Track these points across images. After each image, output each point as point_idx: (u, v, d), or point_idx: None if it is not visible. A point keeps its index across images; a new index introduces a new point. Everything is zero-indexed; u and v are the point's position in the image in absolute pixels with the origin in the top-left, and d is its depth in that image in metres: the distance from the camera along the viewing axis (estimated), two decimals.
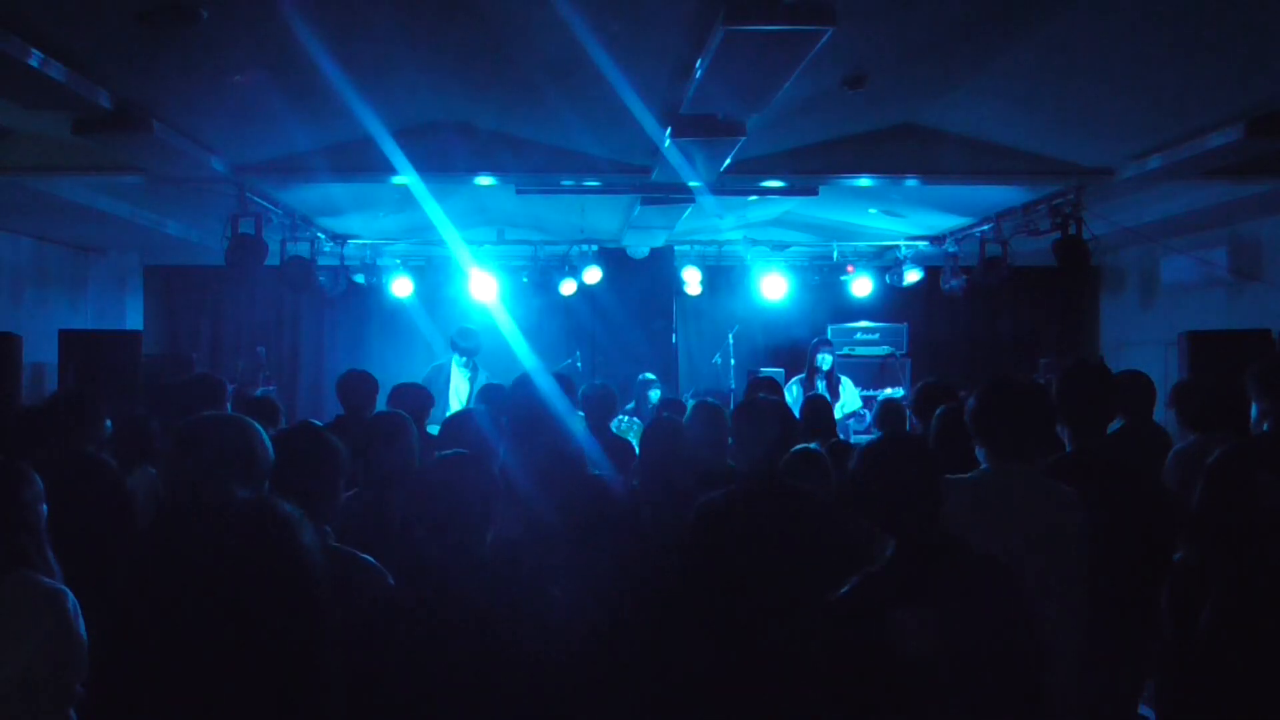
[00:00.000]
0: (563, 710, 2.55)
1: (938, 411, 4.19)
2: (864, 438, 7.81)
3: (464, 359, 8.35)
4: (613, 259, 10.63)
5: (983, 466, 3.17)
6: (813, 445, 4.19)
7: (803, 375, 8.81)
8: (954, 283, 9.72)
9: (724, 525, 3.50)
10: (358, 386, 5.65)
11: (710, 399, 4.90)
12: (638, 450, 5.24)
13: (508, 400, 3.58)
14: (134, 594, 1.89)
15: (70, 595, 2.52)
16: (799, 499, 3.58)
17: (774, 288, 10.49)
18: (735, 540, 3.46)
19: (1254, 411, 4.00)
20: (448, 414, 5.69)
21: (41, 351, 8.42)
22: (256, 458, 2.71)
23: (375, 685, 2.46)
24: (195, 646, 1.77)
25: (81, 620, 2.50)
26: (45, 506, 2.67)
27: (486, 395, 5.54)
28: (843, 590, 2.59)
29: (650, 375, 8.78)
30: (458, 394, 8.28)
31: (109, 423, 4.49)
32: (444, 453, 2.86)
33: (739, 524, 3.48)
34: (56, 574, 2.62)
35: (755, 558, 3.42)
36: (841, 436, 7.07)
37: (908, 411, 5.87)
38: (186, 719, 1.77)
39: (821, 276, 11.04)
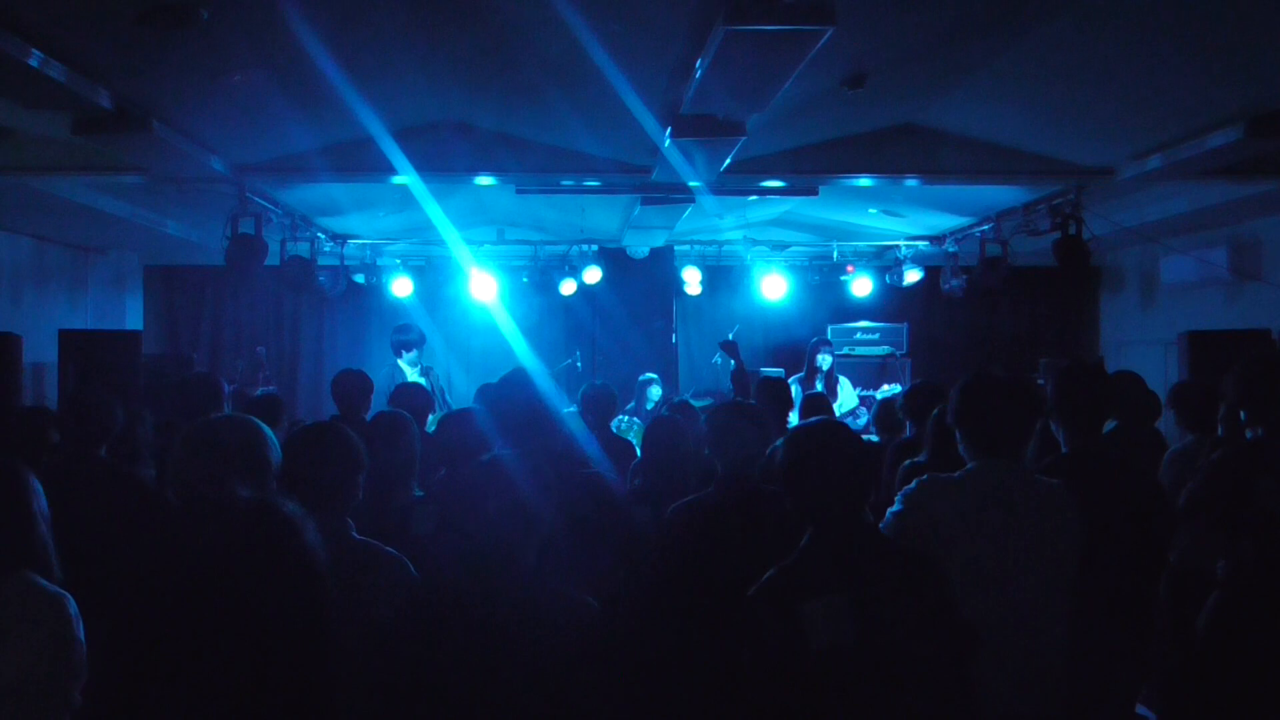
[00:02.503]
0: (566, 707, 2.54)
1: (934, 413, 4.17)
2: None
3: (412, 355, 8.20)
4: (613, 259, 10.63)
5: (968, 465, 3.16)
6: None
7: (802, 374, 8.82)
8: (954, 282, 9.72)
9: (697, 528, 3.49)
10: (352, 385, 5.64)
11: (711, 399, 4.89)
12: (638, 450, 5.25)
13: (499, 398, 3.54)
14: (136, 594, 1.89)
15: (71, 600, 2.50)
16: (774, 502, 3.56)
17: (774, 288, 10.48)
18: (706, 543, 3.44)
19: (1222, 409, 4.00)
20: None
21: (41, 351, 8.41)
22: (261, 457, 2.71)
23: (386, 679, 2.46)
24: (198, 645, 1.77)
25: (82, 626, 2.49)
26: (49, 510, 2.67)
27: (483, 395, 5.53)
28: (759, 583, 2.54)
29: (650, 375, 8.78)
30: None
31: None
32: (487, 457, 2.79)
33: (712, 527, 3.46)
34: (59, 579, 2.61)
35: (726, 561, 3.39)
36: None
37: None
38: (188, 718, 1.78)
39: (821, 276, 11.04)
